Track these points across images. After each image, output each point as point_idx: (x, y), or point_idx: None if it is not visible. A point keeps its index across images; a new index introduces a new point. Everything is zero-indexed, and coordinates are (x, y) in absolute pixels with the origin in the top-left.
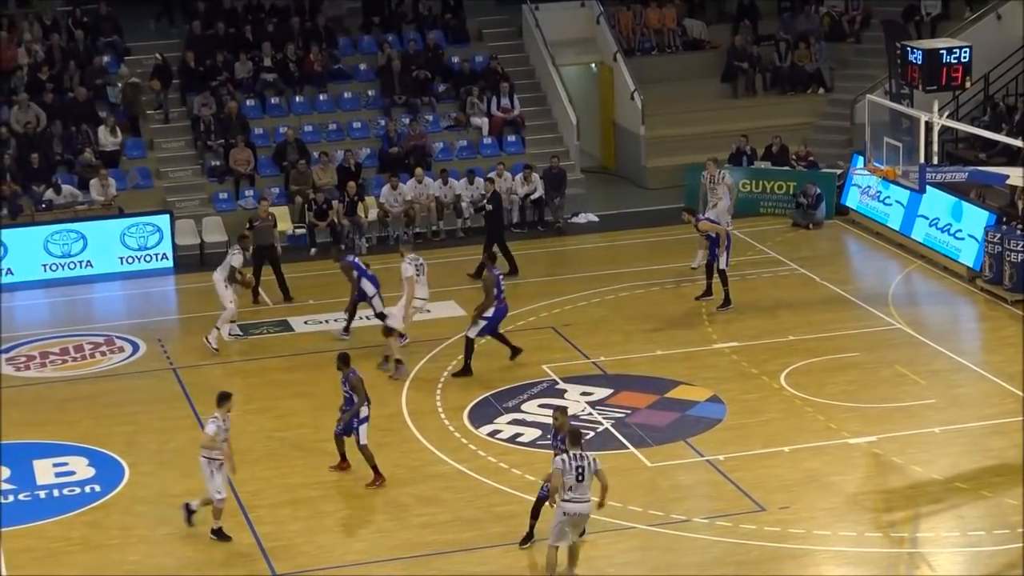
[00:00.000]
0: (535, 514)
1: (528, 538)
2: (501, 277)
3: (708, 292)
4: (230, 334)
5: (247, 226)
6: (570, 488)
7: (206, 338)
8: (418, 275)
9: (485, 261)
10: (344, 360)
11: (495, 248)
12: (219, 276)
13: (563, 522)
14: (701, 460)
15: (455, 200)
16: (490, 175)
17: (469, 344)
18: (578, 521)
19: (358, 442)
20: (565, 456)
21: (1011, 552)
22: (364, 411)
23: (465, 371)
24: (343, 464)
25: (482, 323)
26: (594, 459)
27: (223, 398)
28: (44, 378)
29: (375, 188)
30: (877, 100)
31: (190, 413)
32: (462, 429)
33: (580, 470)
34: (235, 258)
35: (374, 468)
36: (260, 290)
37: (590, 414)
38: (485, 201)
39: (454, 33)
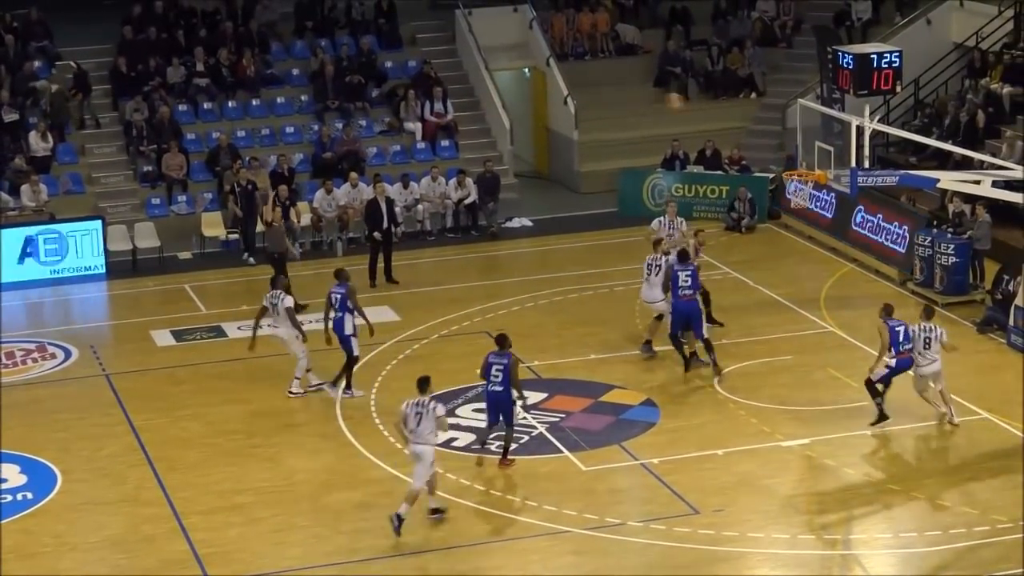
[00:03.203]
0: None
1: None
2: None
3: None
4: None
5: (266, 222)
6: None
7: (289, 390)
8: (648, 275)
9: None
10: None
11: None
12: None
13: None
14: (636, 463)
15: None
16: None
17: (870, 388)
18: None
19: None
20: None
21: (942, 553)
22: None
23: (881, 416)
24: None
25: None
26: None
27: None
28: None
29: (308, 193)
30: (809, 104)
31: (123, 419)
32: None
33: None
34: (288, 300)
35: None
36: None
37: (524, 418)
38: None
39: (387, 38)
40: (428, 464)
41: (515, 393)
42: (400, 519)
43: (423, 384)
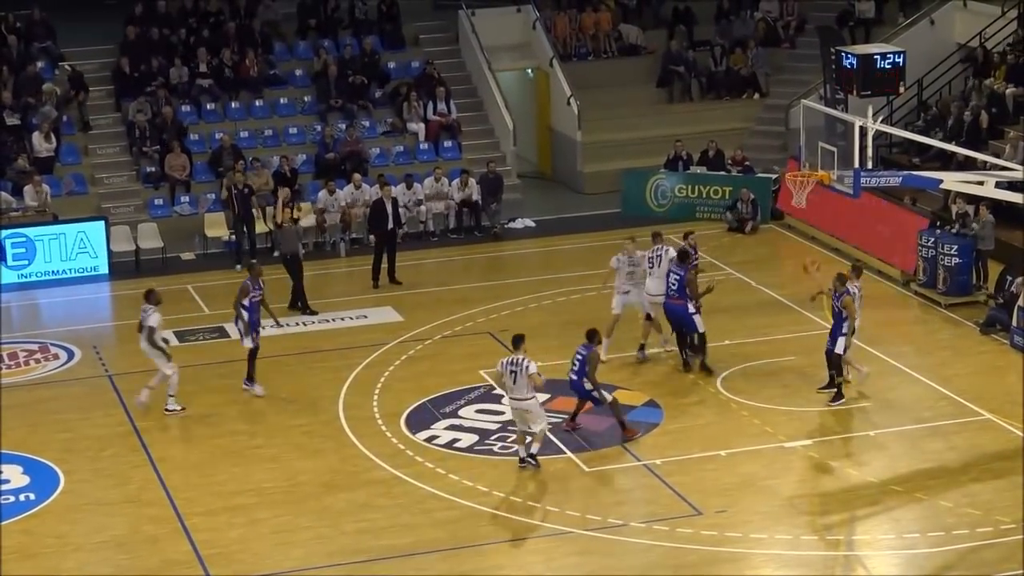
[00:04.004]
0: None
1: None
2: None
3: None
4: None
5: (276, 223)
6: None
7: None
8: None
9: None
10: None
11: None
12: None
13: None
14: (638, 464)
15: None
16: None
17: (836, 363)
18: None
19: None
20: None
21: (945, 554)
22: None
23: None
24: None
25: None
26: None
27: None
28: None
29: (311, 194)
30: (812, 105)
31: (126, 420)
32: (399, 435)
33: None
34: (153, 317)
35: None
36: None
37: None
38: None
39: (390, 38)
40: (537, 415)
41: (590, 386)
42: (529, 459)
43: (517, 341)
